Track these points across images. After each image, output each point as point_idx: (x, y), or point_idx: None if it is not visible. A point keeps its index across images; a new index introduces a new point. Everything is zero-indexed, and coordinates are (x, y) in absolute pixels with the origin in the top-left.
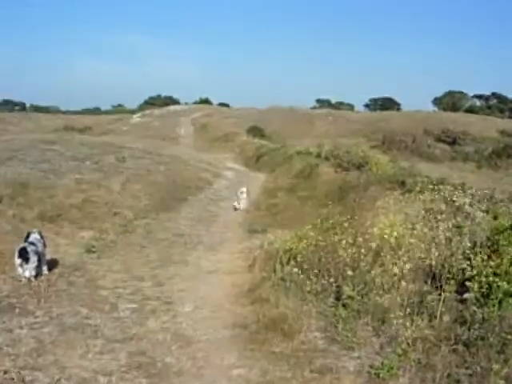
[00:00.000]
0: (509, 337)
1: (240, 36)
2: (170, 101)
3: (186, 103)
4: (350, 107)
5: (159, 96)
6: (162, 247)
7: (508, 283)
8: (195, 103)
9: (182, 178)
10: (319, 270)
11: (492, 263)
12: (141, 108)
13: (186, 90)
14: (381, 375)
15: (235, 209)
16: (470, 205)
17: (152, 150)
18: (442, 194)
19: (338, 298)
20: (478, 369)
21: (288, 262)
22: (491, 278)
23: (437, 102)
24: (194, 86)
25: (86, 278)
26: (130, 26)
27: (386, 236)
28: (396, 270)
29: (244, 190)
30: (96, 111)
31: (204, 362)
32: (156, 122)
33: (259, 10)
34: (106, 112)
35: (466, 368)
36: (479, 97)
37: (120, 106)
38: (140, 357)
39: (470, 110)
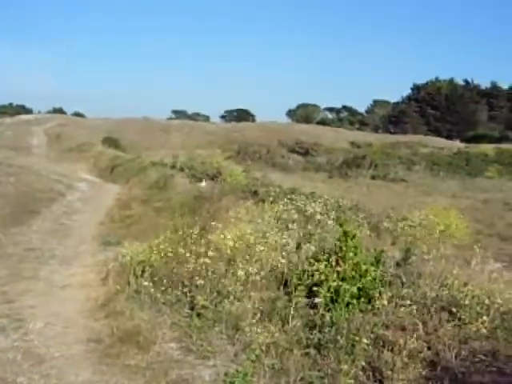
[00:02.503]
0: (356, 338)
1: (95, 46)
2: (22, 110)
3: (39, 112)
4: (206, 118)
5: (11, 104)
6: (13, 263)
7: (354, 286)
8: (49, 112)
9: (33, 190)
10: (172, 281)
11: (339, 268)
12: None
13: (39, 100)
14: (236, 382)
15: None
16: (321, 213)
17: (2, 160)
18: (294, 203)
19: (192, 308)
20: (329, 370)
21: (142, 274)
22: (338, 283)
23: (291, 114)
24: (48, 96)
25: None
26: None
27: (237, 245)
28: (247, 278)
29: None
30: None
31: (57, 380)
32: (7, 131)
33: (115, 22)
34: None
35: (318, 370)
36: (331, 109)
37: None
38: None
39: (322, 122)
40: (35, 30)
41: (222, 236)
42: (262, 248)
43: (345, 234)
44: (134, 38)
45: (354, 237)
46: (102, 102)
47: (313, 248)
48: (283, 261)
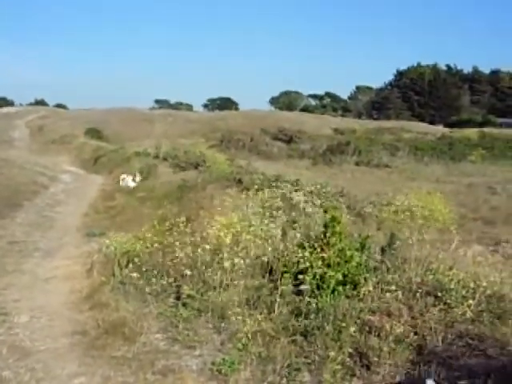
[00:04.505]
0: (343, 324)
1: (77, 37)
2: (4, 102)
3: (21, 105)
4: (189, 107)
5: None
6: None
7: (339, 273)
8: (30, 104)
9: (16, 183)
10: (158, 271)
11: (324, 255)
12: None
13: (21, 91)
14: (223, 371)
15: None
16: (306, 200)
17: None
18: (279, 190)
19: (178, 298)
20: (316, 357)
21: (127, 265)
22: (324, 270)
23: (273, 101)
24: (30, 87)
25: None
26: None
27: (222, 234)
28: (233, 266)
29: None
30: None
31: (43, 374)
32: None
33: (99, 12)
34: None
35: (305, 357)
36: (314, 96)
37: None
38: None
39: (306, 109)
40: (14, 22)
41: (207, 225)
42: (247, 236)
43: (329, 220)
44: (115, 28)
45: (338, 223)
46: (84, 93)
47: (298, 235)
48: (268, 248)
